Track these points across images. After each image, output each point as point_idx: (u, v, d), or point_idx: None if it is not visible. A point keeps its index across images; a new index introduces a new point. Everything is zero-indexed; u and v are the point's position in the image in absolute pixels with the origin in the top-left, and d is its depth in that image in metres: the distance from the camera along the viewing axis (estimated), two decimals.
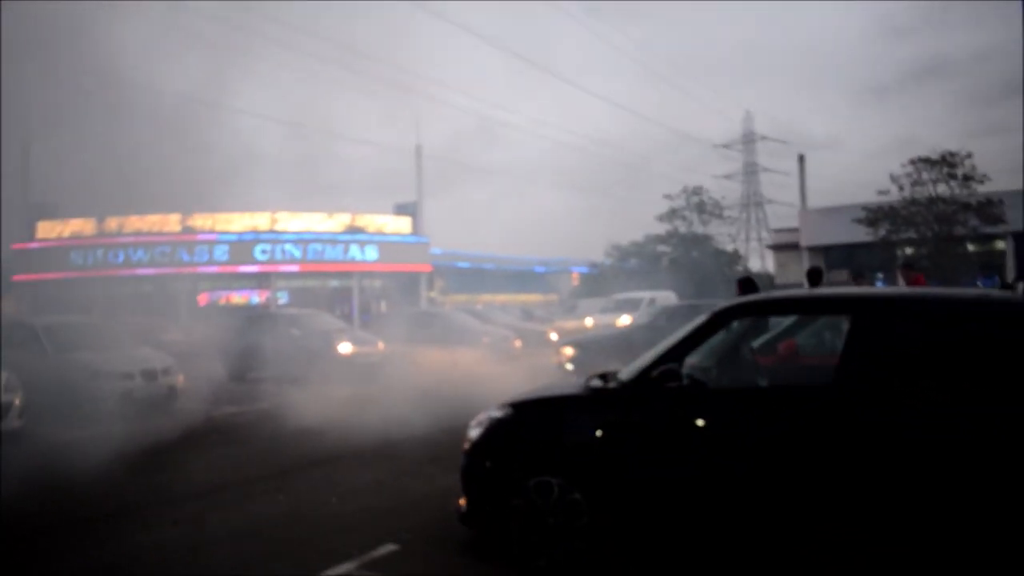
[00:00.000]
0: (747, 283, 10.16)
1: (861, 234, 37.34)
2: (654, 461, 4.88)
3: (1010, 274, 37.71)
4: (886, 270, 36.98)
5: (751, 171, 76.27)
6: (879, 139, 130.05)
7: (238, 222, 40.18)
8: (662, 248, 51.73)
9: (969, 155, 35.14)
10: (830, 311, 5.68)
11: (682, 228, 51.29)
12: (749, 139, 74.74)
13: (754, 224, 75.42)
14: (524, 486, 5.12)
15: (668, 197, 51.53)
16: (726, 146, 72.97)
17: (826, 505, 4.49)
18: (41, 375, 11.20)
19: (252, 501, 7.23)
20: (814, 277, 10.09)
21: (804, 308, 6.21)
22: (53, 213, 39.28)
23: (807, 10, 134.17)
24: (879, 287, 21.01)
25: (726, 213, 54.49)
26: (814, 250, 44.12)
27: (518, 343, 21.94)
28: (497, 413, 5.55)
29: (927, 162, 35.52)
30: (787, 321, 8.04)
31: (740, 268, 53.97)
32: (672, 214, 51.10)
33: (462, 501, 5.59)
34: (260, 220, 40.92)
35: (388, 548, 5.69)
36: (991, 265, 38.55)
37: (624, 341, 16.02)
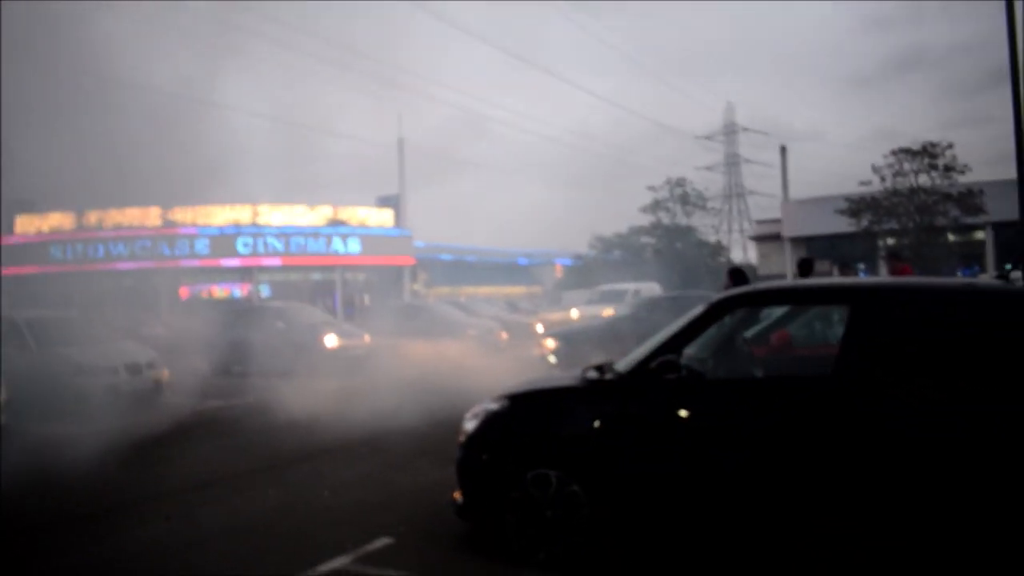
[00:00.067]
0: (737, 274, 10.16)
1: (843, 225, 37.53)
2: (653, 453, 4.85)
3: (990, 264, 38.07)
4: (868, 261, 37.23)
5: (733, 162, 76.65)
6: (860, 130, 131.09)
7: (219, 216, 39.89)
8: (646, 239, 51.84)
9: (950, 146, 35.39)
10: (830, 301, 5.67)
11: (666, 220, 51.41)
12: (731, 130, 75.11)
13: (736, 215, 75.83)
14: (521, 479, 5.08)
15: (652, 189, 51.67)
16: (708, 137, 73.35)
17: (828, 496, 4.47)
18: (24, 370, 11.04)
19: (243, 495, 7.15)
20: (805, 268, 10.11)
21: (804, 298, 6.18)
22: (31, 207, 38.86)
23: (788, 2, 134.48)
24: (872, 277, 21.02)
25: (709, 205, 54.73)
26: (796, 241, 44.33)
27: (504, 335, 21.92)
28: (493, 405, 5.50)
29: (908, 153, 35.73)
30: (778, 311, 8.04)
31: (723, 259, 54.19)
32: (656, 205, 51.20)
33: (457, 494, 5.54)
34: (242, 213, 40.63)
35: (382, 542, 5.63)
36: (971, 256, 38.89)
37: (607, 333, 15.99)
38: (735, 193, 76.62)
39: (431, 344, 18.09)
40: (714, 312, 5.26)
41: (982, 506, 4.25)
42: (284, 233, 41.25)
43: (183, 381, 13.44)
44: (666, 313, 15.74)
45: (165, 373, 12.89)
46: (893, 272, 12.21)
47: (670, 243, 50.39)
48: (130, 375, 12.19)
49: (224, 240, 39.64)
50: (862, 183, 36.73)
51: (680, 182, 51.79)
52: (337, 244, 42.47)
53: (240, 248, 40.12)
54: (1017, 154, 15.48)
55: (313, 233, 42.10)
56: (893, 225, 36.19)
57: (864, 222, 36.65)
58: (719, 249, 56.01)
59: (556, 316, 26.78)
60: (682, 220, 51.65)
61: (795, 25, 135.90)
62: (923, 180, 35.79)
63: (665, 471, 4.81)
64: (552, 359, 16.03)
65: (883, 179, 36.09)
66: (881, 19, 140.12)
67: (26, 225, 39.16)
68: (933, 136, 49.79)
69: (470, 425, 5.54)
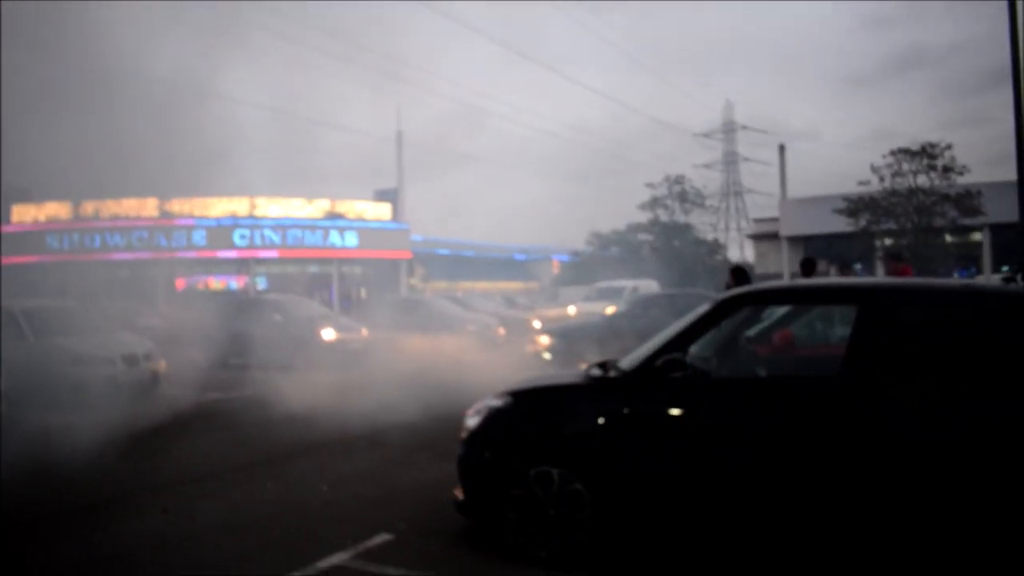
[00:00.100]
0: (740, 272, 10.14)
1: (840, 224, 37.56)
2: (658, 451, 4.82)
3: (987, 266, 38.13)
4: (865, 261, 37.25)
5: (731, 160, 76.57)
6: (857, 130, 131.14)
7: (216, 207, 39.78)
8: (644, 237, 51.80)
9: (949, 146, 35.39)
10: (837, 301, 5.64)
11: (664, 217, 51.39)
12: (729, 128, 75.01)
13: (733, 213, 75.79)
14: (524, 476, 5.05)
15: (650, 186, 51.63)
16: (706, 135, 73.23)
17: (834, 496, 4.45)
18: (20, 360, 10.96)
19: (242, 489, 7.12)
20: (807, 267, 10.08)
21: (810, 298, 6.15)
22: (28, 197, 38.68)
23: (787, 1, 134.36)
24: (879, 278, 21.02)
25: (707, 202, 54.73)
26: (793, 240, 44.37)
27: (502, 331, 21.86)
28: (496, 402, 5.46)
29: (908, 153, 35.73)
30: (779, 311, 8.01)
31: (719, 257, 54.21)
32: (654, 203, 51.17)
33: (458, 491, 5.51)
34: (239, 205, 40.53)
35: (382, 538, 5.60)
36: (968, 257, 38.96)
37: (603, 330, 15.98)
38: (733, 191, 76.60)
39: (429, 339, 18.05)
40: (720, 310, 5.23)
41: (991, 507, 4.23)
42: (281, 225, 41.17)
43: (180, 373, 13.38)
44: (662, 311, 15.77)
45: (162, 364, 12.82)
46: (893, 273, 12.17)
47: (668, 241, 50.38)
48: (127, 366, 12.12)
49: (221, 232, 39.54)
50: (861, 183, 36.76)
51: (679, 179, 51.80)
52: (334, 237, 42.40)
53: (237, 240, 40.04)
54: (1017, 155, 15.47)
55: (310, 226, 42.03)
56: (891, 225, 36.21)
57: (862, 222, 36.67)
58: (716, 247, 56.00)
59: (553, 312, 26.72)
60: (680, 218, 51.66)
61: (794, 24, 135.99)
62: (922, 181, 35.80)
63: (669, 470, 4.78)
64: (547, 356, 15.99)
65: (882, 179, 36.11)
66: (881, 18, 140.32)
67: (23, 214, 39.01)
68: (931, 136, 49.96)
69: (472, 421, 5.51)
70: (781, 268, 43.05)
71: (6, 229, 37.63)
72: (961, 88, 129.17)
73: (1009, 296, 4.85)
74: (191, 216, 39.13)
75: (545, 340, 16.64)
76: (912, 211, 35.61)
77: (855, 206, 36.59)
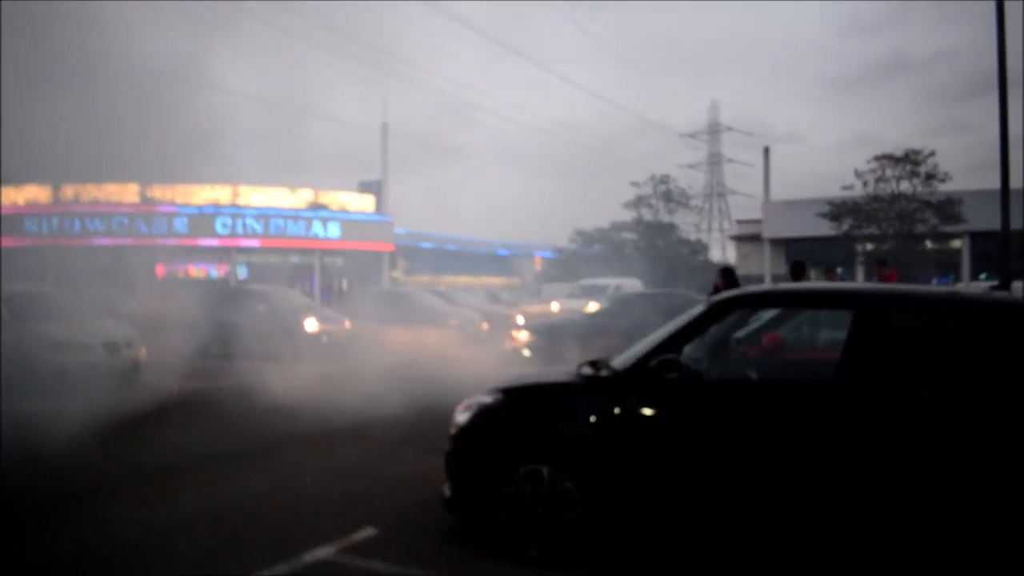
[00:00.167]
0: (729, 273, 10.15)
1: (822, 228, 37.79)
2: (650, 451, 4.79)
3: (965, 273, 38.49)
4: (846, 265, 37.50)
5: (715, 161, 76.85)
6: (839, 134, 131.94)
7: (199, 195, 39.45)
8: (628, 235, 51.90)
9: (932, 153, 35.72)
10: (834, 306, 5.64)
11: (648, 216, 51.50)
12: (715, 129, 75.25)
13: (716, 214, 76.10)
14: (514, 474, 5.01)
15: (635, 184, 51.73)
16: (691, 135, 73.41)
17: (828, 500, 4.44)
18: None
19: (225, 480, 7.03)
20: (798, 270, 10.09)
21: (807, 302, 6.15)
22: (7, 179, 38.14)
23: (773, 3, 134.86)
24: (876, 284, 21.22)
25: (691, 203, 54.92)
26: (776, 242, 44.58)
27: (485, 326, 21.79)
28: (486, 398, 5.42)
29: (891, 159, 36.00)
30: (768, 313, 8.02)
31: (701, 258, 54.43)
32: (639, 202, 51.27)
33: (446, 487, 5.47)
34: (221, 193, 40.23)
35: (368, 532, 5.55)
36: (947, 264, 39.32)
37: (582, 327, 16.00)
38: (716, 192, 76.96)
39: (412, 332, 17.95)
40: (716, 312, 5.22)
41: (988, 509, 4.24)
42: (264, 215, 40.92)
43: (161, 361, 13.25)
44: (642, 310, 15.81)
45: (143, 352, 12.68)
46: (879, 277, 12.25)
47: (651, 240, 50.51)
48: (108, 354, 11.97)
49: (203, 219, 39.23)
50: (844, 187, 37.00)
51: (664, 179, 51.92)
52: (317, 228, 42.21)
53: (219, 228, 39.75)
54: (1002, 163, 15.59)
55: (293, 216, 41.81)
56: (873, 230, 36.48)
57: (845, 226, 36.91)
58: (699, 248, 56.21)
59: (536, 309, 26.68)
60: (664, 217, 51.79)
61: (779, 27, 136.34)
62: (904, 187, 36.09)
63: (662, 470, 4.77)
64: (527, 352, 15.95)
65: (865, 184, 36.37)
66: (865, 24, 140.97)
67: (1, 197, 38.47)
68: (913, 142, 50.60)
69: (462, 418, 5.46)
70: (763, 270, 43.25)
71: None
72: (943, 96, 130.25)
73: (1002, 304, 4.89)
74: (173, 203, 38.76)
75: (524, 336, 16.60)
76: (894, 217, 35.90)
77: (838, 210, 36.83)
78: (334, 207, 43.50)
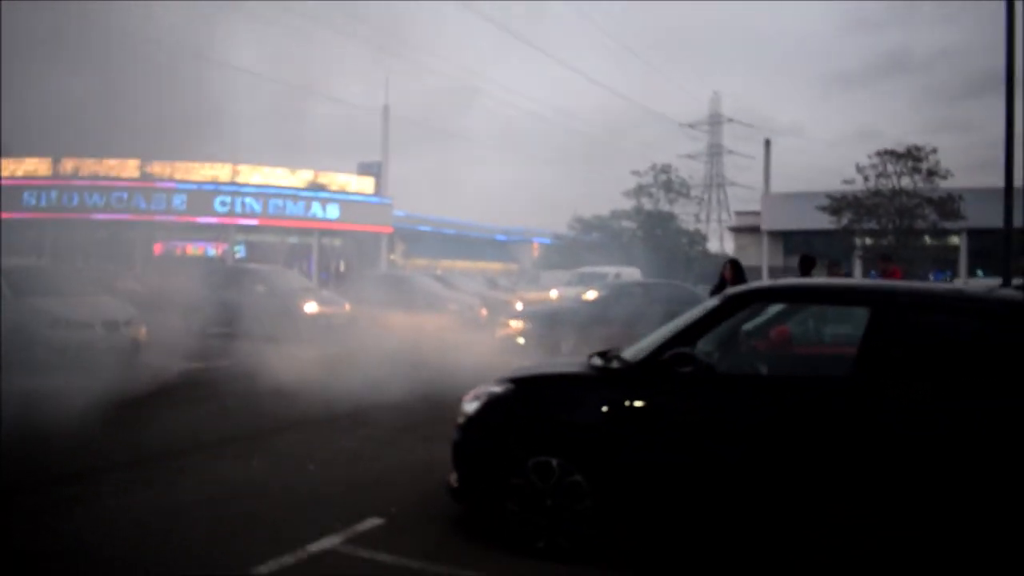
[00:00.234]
0: (736, 266, 10.10)
1: (821, 221, 37.81)
2: (662, 445, 4.75)
3: (963, 269, 38.54)
4: (844, 259, 37.52)
5: (715, 152, 76.65)
6: (840, 128, 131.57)
7: (198, 172, 39.26)
8: (627, 224, 51.86)
9: (934, 150, 35.68)
10: (851, 303, 5.58)
11: (648, 205, 51.43)
12: (716, 120, 75.03)
13: (715, 205, 75.97)
14: (523, 465, 4.95)
15: (636, 173, 51.63)
16: (692, 126, 73.19)
17: (848, 496, 4.40)
18: None
19: (227, 464, 6.97)
20: (807, 264, 10.01)
21: (823, 297, 6.10)
22: (6, 151, 37.87)
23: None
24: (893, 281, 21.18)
25: (692, 193, 54.87)
26: (774, 235, 44.60)
27: (484, 312, 21.72)
28: (496, 388, 5.36)
29: (893, 155, 35.96)
30: (775, 307, 7.98)
31: (699, 248, 54.44)
32: (639, 190, 51.19)
33: (452, 476, 5.42)
34: (221, 171, 40.04)
35: (373, 522, 5.48)
36: (945, 260, 39.37)
37: (576, 315, 15.99)
38: (716, 183, 76.77)
39: (412, 316, 17.87)
40: (731, 306, 5.17)
41: (1008, 505, 4.20)
42: (263, 194, 40.77)
43: (160, 340, 13.15)
44: (636, 300, 15.79)
45: (143, 331, 12.59)
46: (883, 273, 12.19)
47: (651, 229, 50.46)
48: (107, 331, 11.88)
49: (202, 196, 39.01)
50: (845, 181, 36.98)
51: (665, 168, 51.84)
52: (316, 208, 42.09)
53: (217, 206, 39.58)
54: (1006, 161, 15.55)
55: (292, 195, 41.67)
56: (872, 225, 36.48)
57: (844, 220, 36.90)
58: (698, 238, 56.19)
59: (534, 295, 26.63)
60: (664, 207, 51.73)
61: (783, 20, 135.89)
62: (905, 183, 36.07)
63: (674, 464, 4.72)
64: (521, 340, 15.89)
65: (866, 179, 36.34)
66: (869, 20, 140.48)
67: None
68: (912, 139, 50.34)
69: (470, 407, 5.39)
70: (761, 262, 43.26)
71: None
72: (944, 94, 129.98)
73: (1020, 304, 4.86)
74: (172, 179, 38.54)
75: (518, 324, 16.53)
76: (894, 212, 35.88)
77: (838, 204, 36.81)
78: (333, 188, 43.38)
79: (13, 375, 9.52)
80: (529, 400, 5.27)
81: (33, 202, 36.27)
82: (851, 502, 4.38)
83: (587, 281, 26.22)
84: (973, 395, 4.45)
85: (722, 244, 63.35)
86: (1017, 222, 15.54)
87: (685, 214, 54.50)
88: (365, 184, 44.81)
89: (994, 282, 15.01)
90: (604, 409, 4.89)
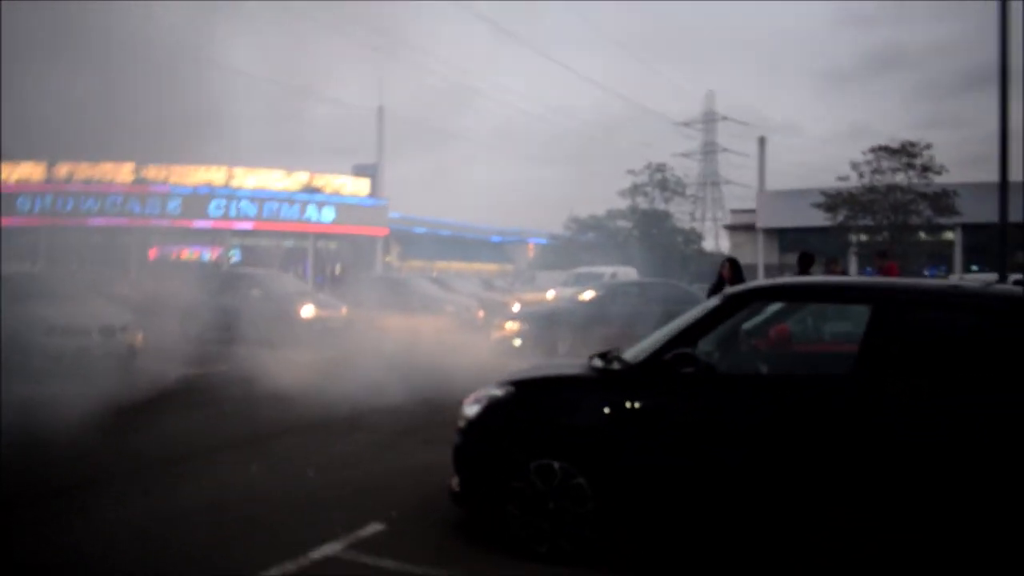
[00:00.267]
0: (735, 264, 10.10)
1: (815, 218, 37.83)
2: (665, 446, 4.73)
3: (957, 265, 38.61)
4: (839, 255, 37.53)
5: (710, 151, 76.63)
6: (833, 125, 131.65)
7: (193, 176, 39.13)
8: (622, 223, 51.88)
9: (928, 146, 35.77)
10: (853, 300, 5.57)
11: (643, 204, 51.45)
12: (710, 119, 75.03)
13: (710, 204, 75.97)
14: (524, 468, 4.92)
15: (632, 172, 51.64)
16: (686, 124, 73.18)
17: (852, 495, 4.39)
18: None
19: (226, 470, 6.92)
20: (805, 262, 10.00)
21: (824, 295, 6.09)
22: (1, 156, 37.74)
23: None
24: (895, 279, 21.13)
25: (687, 192, 54.90)
26: (769, 232, 44.63)
27: (481, 313, 21.69)
28: (496, 391, 5.33)
29: (887, 151, 36.02)
30: (774, 305, 7.97)
31: (695, 247, 54.46)
32: (635, 189, 51.21)
33: (454, 480, 5.39)
34: (216, 175, 39.94)
35: (375, 527, 5.44)
36: (939, 255, 39.44)
37: (571, 316, 15.97)
38: (710, 181, 76.76)
39: (408, 318, 17.83)
40: (731, 305, 5.16)
41: (1015, 502, 4.19)
42: (258, 197, 40.70)
43: (156, 346, 13.12)
44: (631, 300, 15.78)
45: (139, 337, 12.53)
46: (880, 270, 12.19)
47: (646, 228, 50.47)
48: (103, 338, 11.82)
49: (197, 201, 38.92)
50: (840, 178, 37.04)
51: (660, 167, 51.85)
52: (311, 211, 42.03)
53: (212, 210, 39.50)
54: (1001, 156, 15.57)
55: (287, 199, 41.60)
56: (868, 221, 36.53)
57: (840, 217, 36.95)
58: (693, 237, 56.23)
59: (531, 296, 26.60)
60: (660, 205, 51.75)
61: (775, 18, 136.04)
62: (900, 179, 36.14)
63: (678, 465, 4.70)
64: (517, 342, 15.86)
65: (861, 175, 36.41)
66: (861, 17, 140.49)
67: None
68: (906, 135, 50.37)
69: (471, 410, 5.36)
70: (757, 259, 43.28)
71: None
72: (937, 90, 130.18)
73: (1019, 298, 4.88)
74: (167, 183, 38.40)
75: (513, 326, 16.50)
76: (888, 208, 35.94)
77: (834, 201, 36.86)
78: (328, 190, 43.32)
79: (10, 383, 9.47)
80: (530, 403, 5.24)
81: (27, 207, 36.14)
82: (858, 501, 4.37)
83: (583, 281, 26.17)
84: (976, 391, 4.45)
85: (717, 242, 63.49)
86: (1012, 217, 15.59)
87: (680, 213, 54.55)
88: (360, 186, 44.76)
89: (991, 277, 15.02)
90: (606, 411, 4.87)
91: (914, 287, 5.47)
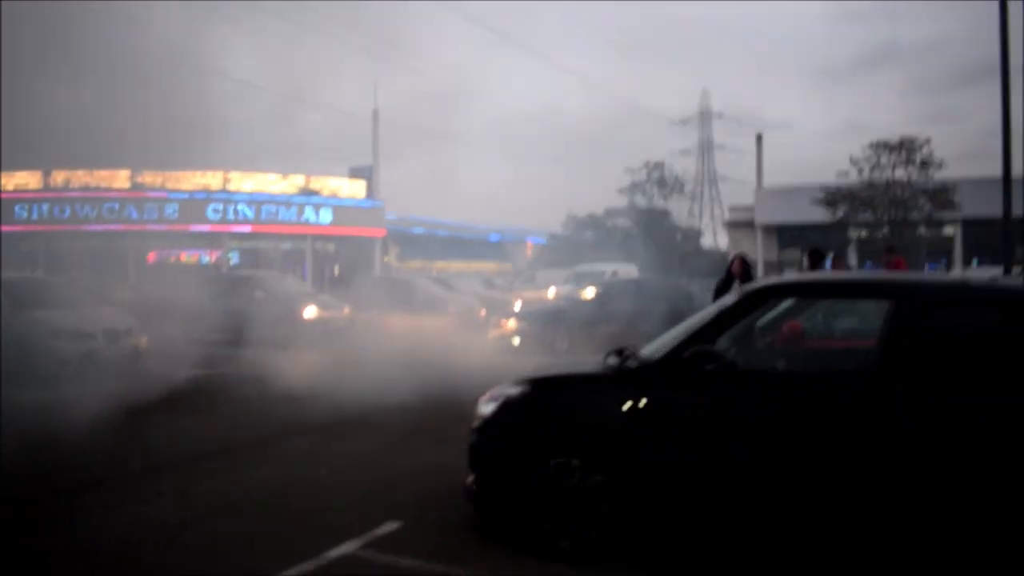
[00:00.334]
0: (744, 261, 10.08)
1: (814, 214, 37.73)
2: (687, 444, 4.68)
3: (957, 260, 38.62)
4: (839, 251, 37.51)
5: (707, 148, 76.75)
6: (830, 121, 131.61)
7: (189, 181, 39.05)
8: (621, 221, 51.85)
9: (927, 141, 35.71)
10: (875, 296, 5.53)
11: (642, 202, 51.45)
12: (706, 116, 75.14)
13: (708, 201, 76.07)
14: (542, 467, 4.88)
15: (629, 171, 51.63)
16: (683, 122, 73.23)
17: (877, 495, 4.35)
18: None
19: (238, 471, 6.90)
20: (816, 257, 9.94)
21: (843, 292, 6.06)
22: None
23: None
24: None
25: (685, 189, 54.92)
26: (768, 228, 44.58)
27: (483, 312, 21.65)
28: (512, 390, 5.28)
29: (886, 146, 35.97)
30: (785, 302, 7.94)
31: (694, 244, 54.46)
32: (633, 188, 51.21)
33: (470, 479, 5.35)
34: (212, 179, 39.83)
35: (390, 526, 5.42)
36: (939, 251, 39.41)
37: (571, 314, 15.96)
38: (708, 179, 76.87)
39: (411, 318, 17.81)
40: (751, 302, 5.13)
41: None
42: (255, 201, 40.57)
43: (160, 349, 13.09)
44: (635, 297, 15.72)
45: (143, 341, 12.52)
46: (887, 264, 12.16)
47: (645, 226, 50.45)
48: (108, 341, 11.81)
49: (194, 205, 38.82)
50: (840, 174, 36.97)
51: (658, 165, 51.86)
52: (308, 213, 41.92)
53: (210, 214, 39.35)
54: (1004, 150, 15.57)
55: (285, 202, 41.49)
56: (868, 217, 36.49)
57: (839, 213, 36.89)
58: (692, 234, 56.24)
59: (531, 295, 26.55)
60: (659, 203, 51.75)
61: (771, 14, 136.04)
62: (899, 174, 36.10)
63: (698, 463, 4.65)
64: (516, 340, 15.82)
65: (860, 171, 36.34)
66: (857, 12, 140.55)
67: None
68: (901, 130, 50.40)
69: (487, 409, 5.32)
70: (756, 256, 43.25)
71: None
72: (934, 85, 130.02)
73: None
74: (163, 189, 38.37)
75: (512, 324, 16.45)
76: (888, 203, 35.89)
77: (833, 197, 36.80)
78: (325, 193, 43.20)
79: (17, 387, 9.45)
80: (547, 401, 5.20)
81: (25, 215, 36.13)
82: (881, 498, 4.34)
83: (584, 279, 26.13)
84: (1000, 387, 4.41)
85: (716, 239, 63.48)
86: (1014, 212, 15.58)
87: (679, 210, 54.55)
88: (357, 188, 44.68)
89: (995, 271, 15.02)
90: (625, 409, 4.82)
91: (936, 283, 5.45)
